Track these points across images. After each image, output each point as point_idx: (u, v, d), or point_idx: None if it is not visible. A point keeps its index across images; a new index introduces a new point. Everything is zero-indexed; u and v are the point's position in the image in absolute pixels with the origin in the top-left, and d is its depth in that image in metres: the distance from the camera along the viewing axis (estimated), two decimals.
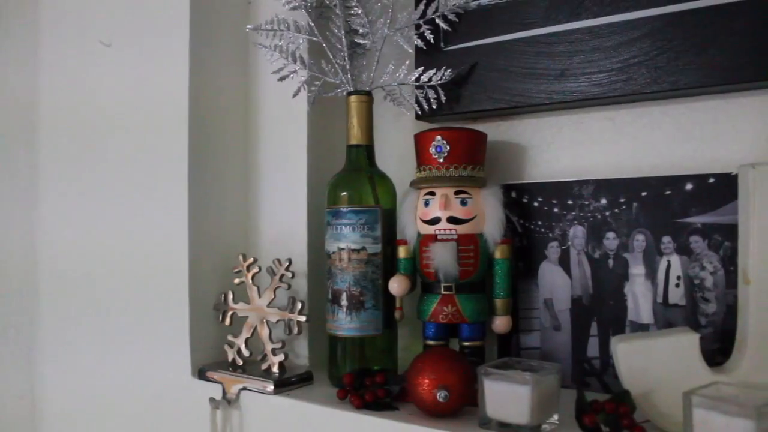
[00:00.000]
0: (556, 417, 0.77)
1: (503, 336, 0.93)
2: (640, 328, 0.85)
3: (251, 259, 0.98)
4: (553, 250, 0.90)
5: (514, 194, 0.92)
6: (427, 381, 0.79)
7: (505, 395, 0.75)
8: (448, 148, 0.87)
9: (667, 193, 0.83)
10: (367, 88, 0.95)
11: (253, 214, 1.08)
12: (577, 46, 0.87)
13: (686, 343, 0.73)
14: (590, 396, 0.73)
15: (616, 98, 0.85)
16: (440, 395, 0.77)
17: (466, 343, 0.89)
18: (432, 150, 0.88)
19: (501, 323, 0.89)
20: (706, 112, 0.84)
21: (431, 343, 0.90)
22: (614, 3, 0.84)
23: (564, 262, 0.89)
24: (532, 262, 0.92)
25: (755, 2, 0.76)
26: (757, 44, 0.76)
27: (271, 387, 0.91)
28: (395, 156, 1.02)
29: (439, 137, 0.87)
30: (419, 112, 0.96)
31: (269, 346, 0.95)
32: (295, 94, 0.96)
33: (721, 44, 0.78)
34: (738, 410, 0.62)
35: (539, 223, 0.91)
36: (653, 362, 0.74)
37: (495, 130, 0.97)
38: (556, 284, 0.90)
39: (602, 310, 0.87)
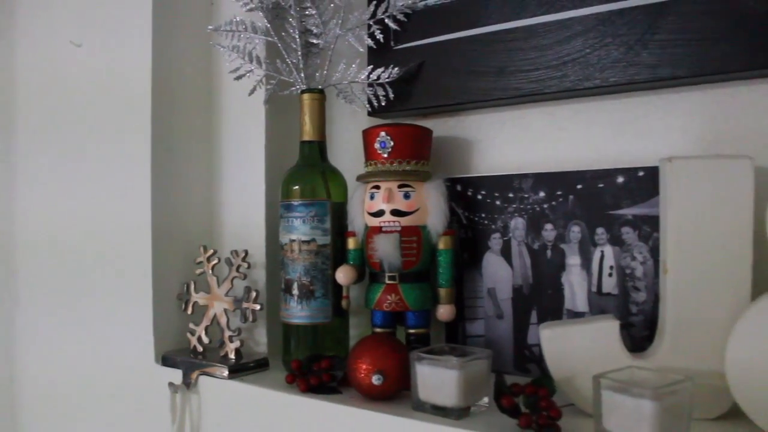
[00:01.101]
0: (486, 400, 0.79)
1: (450, 324, 0.96)
2: (576, 316, 0.87)
3: (211, 251, 1.01)
4: (495, 241, 0.93)
5: (459, 187, 0.95)
6: (364, 366, 0.82)
7: (435, 379, 0.77)
8: (392, 143, 0.90)
9: (600, 186, 0.85)
10: (320, 87, 0.98)
11: (216, 206, 1.11)
12: (516, 45, 0.89)
13: (606, 330, 0.76)
14: None
15: (552, 94, 0.87)
16: (375, 379, 0.80)
17: (412, 331, 0.92)
18: (377, 145, 0.90)
19: (445, 311, 0.91)
20: (637, 107, 0.86)
21: (379, 330, 0.92)
22: (550, 3, 0.87)
23: (506, 252, 0.92)
24: (476, 253, 0.94)
25: (683, 1, 0.79)
26: (683, 42, 0.78)
27: (226, 372, 0.94)
28: (351, 151, 1.05)
29: (383, 133, 0.90)
30: (370, 110, 1.00)
31: (226, 334, 0.99)
32: (251, 93, 0.99)
33: (648, 42, 0.80)
34: (640, 392, 0.64)
35: (483, 215, 0.93)
36: (575, 348, 0.76)
37: (443, 126, 1.00)
38: (498, 274, 0.93)
39: (541, 298, 0.89)
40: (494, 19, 0.90)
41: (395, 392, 0.82)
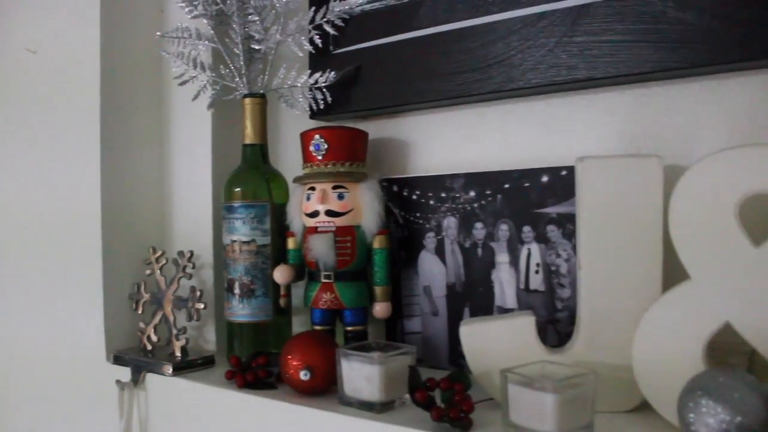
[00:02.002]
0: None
1: (389, 322, 0.97)
2: (506, 312, 0.88)
3: (159, 252, 1.03)
4: (430, 240, 0.94)
5: (395, 188, 0.96)
6: (293, 362, 0.83)
7: (359, 374, 0.79)
8: (326, 145, 0.91)
9: (527, 185, 0.86)
10: (262, 91, 0.99)
11: (166, 208, 1.12)
12: (446, 47, 0.90)
13: (522, 326, 0.77)
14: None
15: (479, 96, 0.89)
16: (303, 374, 0.82)
17: (349, 328, 0.93)
18: (312, 148, 0.92)
19: (381, 309, 0.93)
20: (560, 108, 0.87)
21: (318, 328, 0.94)
22: (477, 6, 0.88)
23: (440, 251, 0.93)
24: (412, 252, 0.95)
25: (603, 3, 0.80)
26: (598, 44, 0.79)
27: (170, 370, 0.96)
28: (297, 153, 1.06)
29: (317, 136, 0.91)
30: (310, 113, 1.01)
31: (173, 332, 1.00)
32: (195, 98, 1.00)
33: (567, 45, 0.82)
34: (542, 385, 0.65)
35: (418, 214, 0.94)
36: (493, 343, 0.77)
37: (382, 128, 1.01)
38: (433, 272, 0.94)
39: (473, 296, 0.91)
40: (426, 23, 0.92)
41: (325, 388, 0.83)
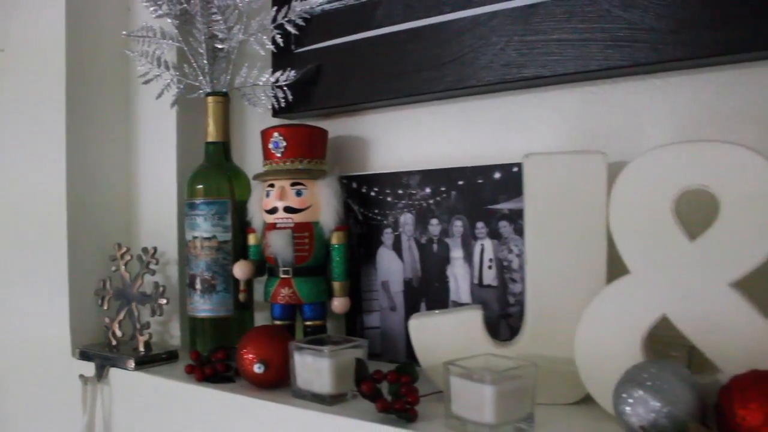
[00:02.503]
0: None
1: (349, 317, 0.98)
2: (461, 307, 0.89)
3: (124, 249, 1.04)
4: (388, 236, 0.95)
5: (355, 185, 0.97)
6: (248, 355, 0.84)
7: (311, 367, 0.80)
8: (285, 143, 0.92)
9: (480, 181, 0.87)
10: (224, 90, 1.00)
11: (133, 205, 1.13)
12: (403, 47, 0.91)
13: (469, 319, 0.78)
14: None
15: (434, 94, 0.90)
16: (257, 367, 0.83)
17: (308, 323, 0.94)
18: (271, 146, 0.92)
19: (339, 304, 0.93)
20: (513, 105, 0.88)
21: (278, 323, 0.95)
22: (432, 6, 0.89)
23: (397, 247, 0.94)
24: (371, 248, 0.96)
25: (553, 3, 0.81)
26: (545, 43, 0.80)
27: (133, 364, 0.97)
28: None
29: (276, 134, 0.92)
30: (272, 111, 1.02)
31: (136, 327, 1.01)
32: (158, 96, 1.01)
33: (517, 44, 0.82)
34: (481, 377, 0.66)
35: (376, 211, 0.95)
36: (441, 337, 0.78)
37: (343, 126, 1.02)
38: (391, 268, 0.94)
39: (429, 291, 0.91)
40: (383, 23, 0.93)
41: (280, 380, 0.84)
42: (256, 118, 1.09)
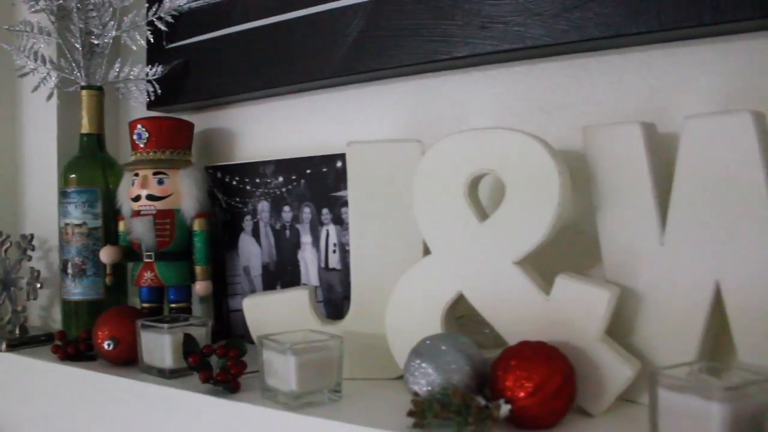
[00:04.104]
0: None
1: (216, 300, 1.02)
2: None
3: (4, 236, 1.07)
4: (248, 223, 0.98)
5: (219, 174, 1.00)
6: (100, 333, 0.87)
7: (153, 344, 0.83)
8: (148, 134, 0.95)
9: (324, 170, 0.90)
10: (99, 84, 1.04)
11: (19, 195, 1.16)
12: (258, 43, 0.95)
13: (296, 298, 0.81)
14: None
15: (287, 88, 0.94)
16: (107, 344, 0.86)
17: (173, 305, 0.97)
18: (135, 137, 0.96)
19: (201, 287, 0.97)
20: (357, 96, 0.93)
21: (146, 305, 0.98)
22: (285, 3, 0.93)
23: (255, 233, 0.97)
24: (234, 234, 0.99)
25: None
26: (388, 35, 0.85)
27: (4, 346, 0.99)
28: None
29: (140, 125, 0.95)
30: (143, 105, 1.06)
31: (10, 310, 1.04)
32: (34, 89, 1.04)
33: (360, 40, 0.87)
34: (282, 349, 0.69)
35: (237, 199, 0.99)
36: (272, 315, 0.81)
37: (213, 118, 1.06)
38: (251, 253, 0.98)
39: (284, 274, 0.95)
40: (241, 20, 0.97)
41: (133, 358, 0.87)
42: (133, 111, 1.12)
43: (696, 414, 0.51)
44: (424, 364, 0.64)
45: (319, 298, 0.91)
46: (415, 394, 0.64)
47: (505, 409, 0.59)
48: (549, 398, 0.59)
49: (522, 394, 0.59)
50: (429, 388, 0.63)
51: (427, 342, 0.66)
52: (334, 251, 0.90)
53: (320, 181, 0.90)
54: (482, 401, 0.60)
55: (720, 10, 0.67)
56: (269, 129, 1.00)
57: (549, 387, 0.59)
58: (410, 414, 0.61)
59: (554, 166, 0.66)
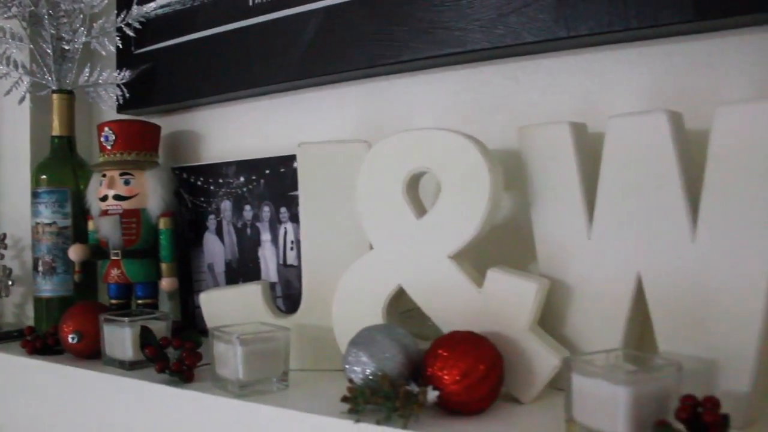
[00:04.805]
0: None
1: (183, 297, 1.06)
2: (270, 287, 0.96)
3: None
4: (211, 221, 1.02)
5: (185, 175, 1.04)
6: (66, 328, 0.91)
7: (115, 337, 0.87)
8: (114, 137, 0.99)
9: (282, 170, 0.94)
10: (69, 88, 1.08)
11: None
12: (220, 49, 0.99)
13: (250, 293, 0.85)
14: None
15: (247, 92, 0.98)
16: (71, 338, 0.90)
17: (140, 301, 1.01)
18: (102, 139, 0.99)
19: (166, 284, 1.00)
20: (312, 99, 0.97)
21: (114, 301, 1.01)
22: (242, 11, 0.97)
23: (219, 231, 1.01)
24: (199, 233, 1.03)
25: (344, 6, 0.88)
26: (339, 45, 0.88)
27: None
28: None
29: (107, 128, 0.99)
30: (112, 108, 1.10)
31: None
32: (7, 93, 1.07)
33: (313, 46, 0.90)
34: (230, 339, 0.73)
35: (202, 199, 1.02)
36: (228, 308, 0.85)
37: (181, 121, 1.10)
38: (215, 251, 1.02)
39: (246, 271, 0.98)
40: (204, 26, 1.01)
41: (97, 351, 0.90)
42: (105, 114, 1.16)
43: (605, 397, 0.55)
44: (359, 353, 0.67)
45: (278, 294, 0.95)
46: (351, 381, 0.67)
47: (432, 395, 0.62)
48: (475, 384, 0.62)
49: (449, 381, 0.63)
50: (363, 375, 0.67)
51: (364, 332, 0.69)
52: (292, 248, 0.93)
53: (278, 181, 0.94)
54: (411, 387, 0.63)
55: (644, 16, 0.70)
56: (232, 131, 1.04)
57: (475, 374, 0.62)
58: (344, 400, 0.64)
59: (485, 165, 0.69)
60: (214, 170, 1.00)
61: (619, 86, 0.76)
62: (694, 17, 0.68)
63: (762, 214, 0.59)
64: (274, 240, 0.95)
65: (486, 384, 0.63)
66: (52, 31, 1.07)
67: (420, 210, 0.74)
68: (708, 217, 0.62)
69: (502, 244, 0.79)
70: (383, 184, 0.74)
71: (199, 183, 1.02)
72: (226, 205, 1.00)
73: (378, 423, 0.61)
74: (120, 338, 0.85)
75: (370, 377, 0.66)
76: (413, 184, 0.75)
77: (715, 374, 0.61)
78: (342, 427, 0.63)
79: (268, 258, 0.96)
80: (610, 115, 0.68)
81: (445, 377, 0.63)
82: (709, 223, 0.62)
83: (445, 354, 0.64)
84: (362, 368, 0.67)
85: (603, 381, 0.55)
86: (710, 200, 0.62)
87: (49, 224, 1.03)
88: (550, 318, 0.71)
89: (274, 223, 0.95)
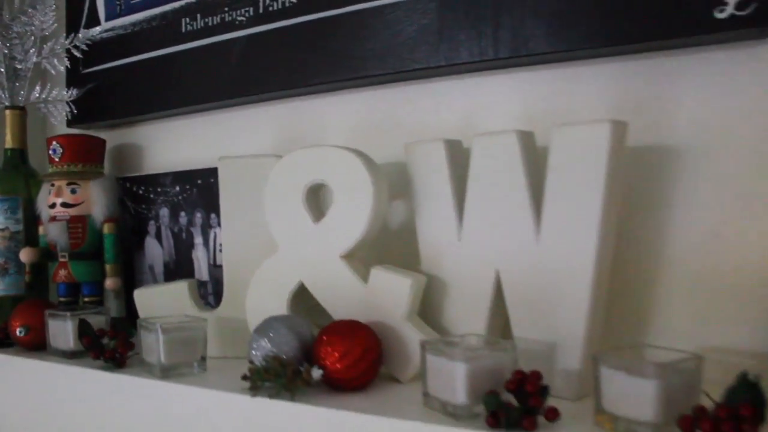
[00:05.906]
0: None
1: (128, 296, 1.18)
2: (202, 285, 1.10)
3: None
4: (152, 227, 1.16)
5: (128, 185, 1.18)
6: (15, 322, 1.04)
7: (58, 329, 1.00)
8: (62, 150, 1.12)
9: (212, 180, 1.07)
10: (22, 104, 1.21)
11: None
12: (159, 69, 1.13)
13: (177, 289, 0.98)
14: None
15: (184, 109, 1.12)
16: (19, 331, 1.03)
17: (87, 299, 1.15)
18: (50, 152, 1.13)
19: (110, 283, 1.14)
20: (241, 116, 1.10)
21: (62, 299, 1.15)
22: (178, 35, 1.11)
23: (158, 236, 1.15)
24: (141, 237, 1.17)
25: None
26: (264, 65, 1.02)
27: None
28: None
29: (54, 142, 1.12)
30: (59, 123, 1.24)
31: None
32: None
33: (243, 66, 1.04)
34: (155, 328, 0.86)
35: (143, 206, 1.16)
36: (158, 303, 0.98)
37: (125, 134, 1.24)
38: (155, 254, 1.16)
39: (182, 272, 1.12)
40: (146, 49, 1.14)
41: (42, 343, 1.04)
42: (58, 128, 1.30)
43: (445, 372, 0.68)
44: (260, 339, 0.81)
45: (210, 291, 1.09)
46: (251, 362, 0.81)
47: (317, 373, 0.76)
48: (352, 364, 0.76)
49: (330, 361, 0.76)
50: (265, 357, 0.80)
51: (265, 322, 0.83)
52: (221, 250, 1.07)
53: (209, 190, 1.08)
54: (298, 367, 0.76)
55: (517, 47, 0.84)
56: (170, 144, 1.18)
57: (352, 355, 0.76)
58: (244, 378, 0.77)
59: (369, 178, 0.83)
60: (153, 180, 1.14)
61: (494, 107, 0.90)
62: (558, 48, 0.82)
63: (589, 217, 0.72)
64: (206, 243, 1.09)
65: (362, 364, 0.76)
66: (5, 51, 1.20)
67: (318, 215, 0.87)
68: (548, 222, 0.75)
69: (397, 246, 0.93)
70: (286, 192, 0.88)
71: (140, 192, 1.16)
72: (164, 212, 1.13)
73: (270, 397, 0.75)
74: (63, 331, 0.99)
75: (266, 360, 0.79)
76: (313, 193, 0.88)
77: (555, 354, 0.75)
78: (243, 402, 0.77)
79: (200, 259, 1.09)
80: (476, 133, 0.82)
81: (328, 358, 0.76)
82: (548, 226, 0.75)
83: (327, 338, 0.78)
84: (261, 352, 0.80)
85: (445, 359, 0.69)
86: (549, 207, 0.75)
87: (2, 229, 1.16)
88: (431, 310, 0.85)
89: (206, 228, 1.08)
